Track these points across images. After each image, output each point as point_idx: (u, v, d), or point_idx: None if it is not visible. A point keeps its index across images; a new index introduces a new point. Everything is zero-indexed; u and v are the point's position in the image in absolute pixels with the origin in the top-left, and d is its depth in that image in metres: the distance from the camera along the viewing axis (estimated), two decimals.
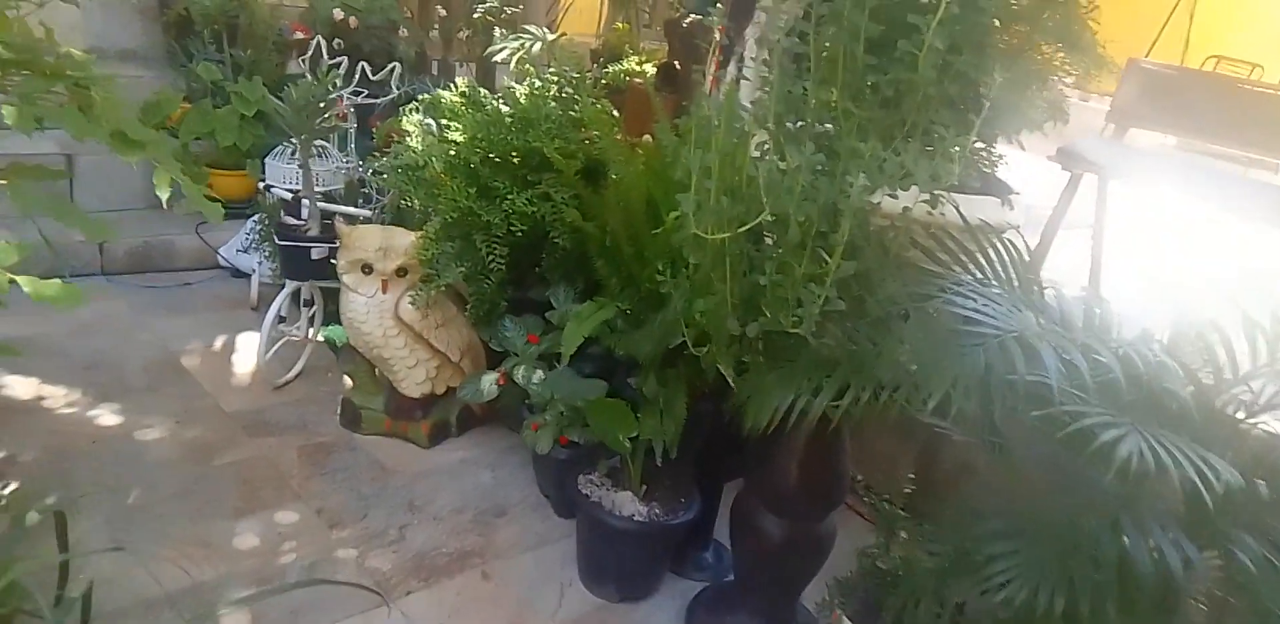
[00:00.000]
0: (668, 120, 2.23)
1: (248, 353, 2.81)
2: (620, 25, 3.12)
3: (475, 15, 3.44)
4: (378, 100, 3.19)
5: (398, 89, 3.18)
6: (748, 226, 1.27)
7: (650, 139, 2.34)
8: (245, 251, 3.26)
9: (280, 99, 2.49)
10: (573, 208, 2.21)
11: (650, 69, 2.94)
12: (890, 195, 1.25)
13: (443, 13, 3.89)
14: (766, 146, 1.36)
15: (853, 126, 1.35)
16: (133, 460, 2.25)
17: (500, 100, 2.60)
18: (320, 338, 2.73)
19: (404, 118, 2.80)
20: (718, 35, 2.35)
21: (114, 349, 2.76)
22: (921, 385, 1.21)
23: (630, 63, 2.83)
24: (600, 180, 2.27)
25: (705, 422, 1.91)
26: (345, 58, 3.19)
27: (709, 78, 2.20)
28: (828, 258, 1.23)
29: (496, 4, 3.30)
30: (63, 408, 2.44)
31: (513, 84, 2.82)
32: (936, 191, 1.25)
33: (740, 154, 1.37)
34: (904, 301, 1.34)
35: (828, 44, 1.38)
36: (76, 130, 1.17)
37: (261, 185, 2.77)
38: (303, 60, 3.17)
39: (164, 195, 1.24)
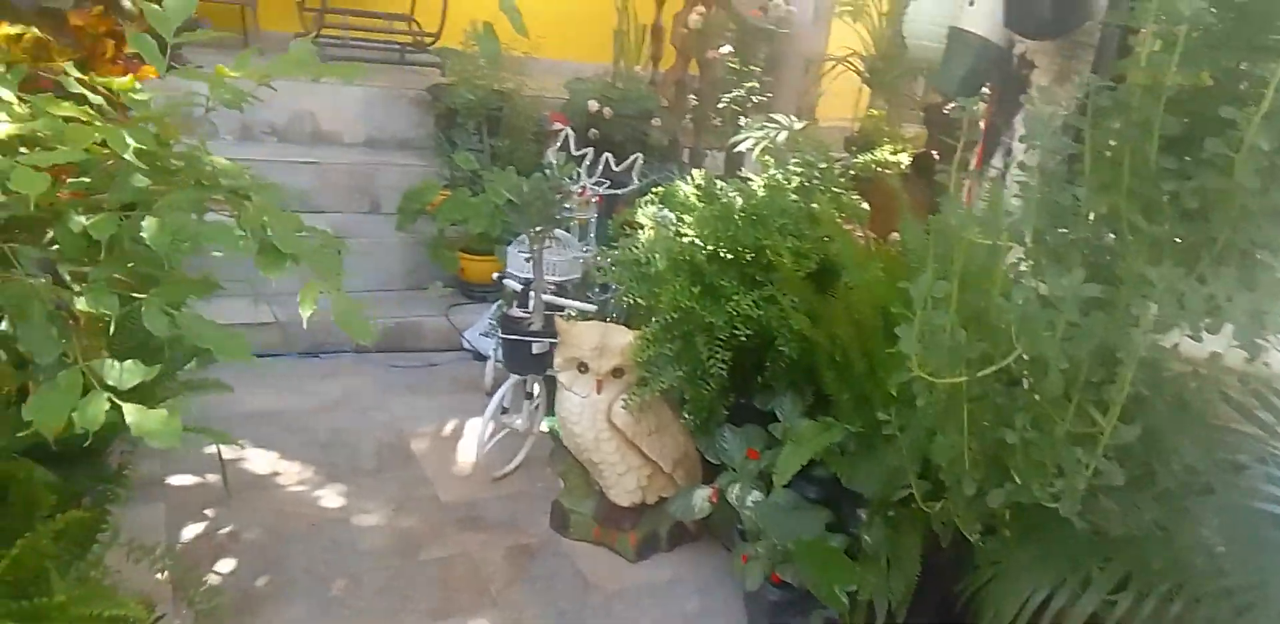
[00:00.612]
0: (917, 219, 1.99)
1: (473, 439, 2.80)
2: (876, 111, 2.93)
3: (720, 104, 3.37)
4: (620, 191, 3.16)
5: (639, 180, 3.14)
6: (991, 370, 1.01)
7: (896, 240, 2.11)
8: (486, 336, 3.31)
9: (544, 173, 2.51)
10: (801, 313, 2.01)
11: (905, 159, 2.71)
12: (1192, 338, 0.96)
13: (694, 101, 3.87)
14: (1024, 267, 1.11)
15: (1142, 246, 1.06)
16: (345, 547, 2.25)
17: (736, 193, 2.47)
18: (544, 428, 2.67)
19: (639, 209, 2.74)
20: (981, 124, 2.10)
21: (352, 427, 2.84)
22: (1237, 594, 0.89)
23: (883, 151, 2.62)
24: (835, 283, 2.06)
25: (946, 577, 1.61)
26: (591, 149, 3.20)
27: (963, 175, 1.94)
28: (1100, 416, 0.95)
29: (743, 93, 3.21)
30: (293, 486, 2.50)
31: (750, 176, 2.68)
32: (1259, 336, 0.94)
33: (991, 275, 1.12)
34: (1208, 473, 1.02)
35: (1110, 142, 1.12)
36: (225, 243, 1.13)
37: (495, 275, 2.79)
38: (551, 151, 3.22)
39: (305, 313, 1.16)
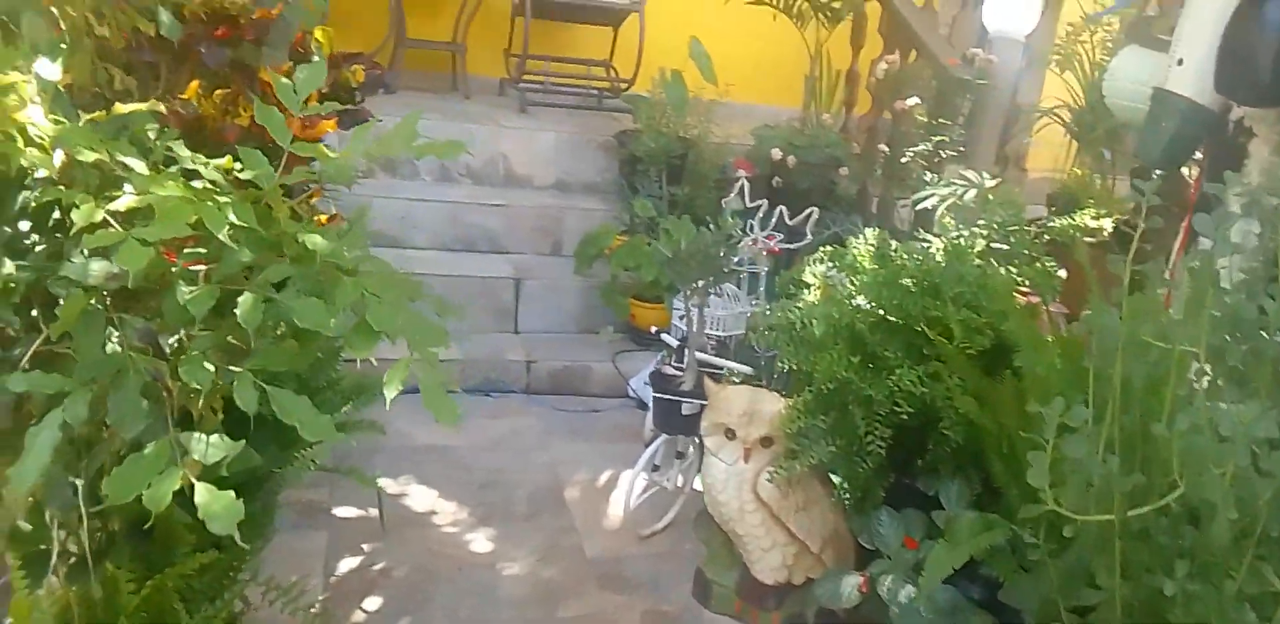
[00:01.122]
0: (1108, 299, 1.80)
1: (624, 492, 2.78)
2: (1079, 169, 2.69)
3: (904, 159, 3.21)
4: (795, 246, 3.08)
5: (812, 235, 3.04)
6: (1147, 509, 0.88)
7: (1083, 321, 1.92)
8: (649, 385, 3.30)
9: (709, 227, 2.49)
10: (969, 395, 1.86)
11: (1107, 225, 2.48)
12: None
13: (885, 149, 3.73)
14: (1198, 384, 0.96)
15: None
16: (488, 594, 2.27)
17: (910, 256, 2.34)
18: (698, 487, 2.62)
19: (808, 266, 2.65)
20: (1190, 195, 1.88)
21: (511, 469, 2.88)
22: None
23: (1086, 215, 2.41)
24: (1008, 364, 1.89)
25: None
26: (765, 201, 3.14)
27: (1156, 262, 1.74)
28: (1277, 580, 0.80)
29: (929, 147, 3.05)
30: (447, 526, 2.56)
31: (930, 237, 2.54)
32: None
33: (1159, 391, 0.98)
34: None
35: None
36: (314, 323, 1.14)
37: (653, 329, 2.78)
38: (725, 202, 3.19)
39: (390, 394, 1.16)
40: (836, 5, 4.05)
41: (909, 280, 2.19)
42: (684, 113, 3.89)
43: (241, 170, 1.26)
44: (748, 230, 3.15)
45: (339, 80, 2.23)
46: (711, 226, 2.42)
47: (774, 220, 3.08)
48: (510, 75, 4.91)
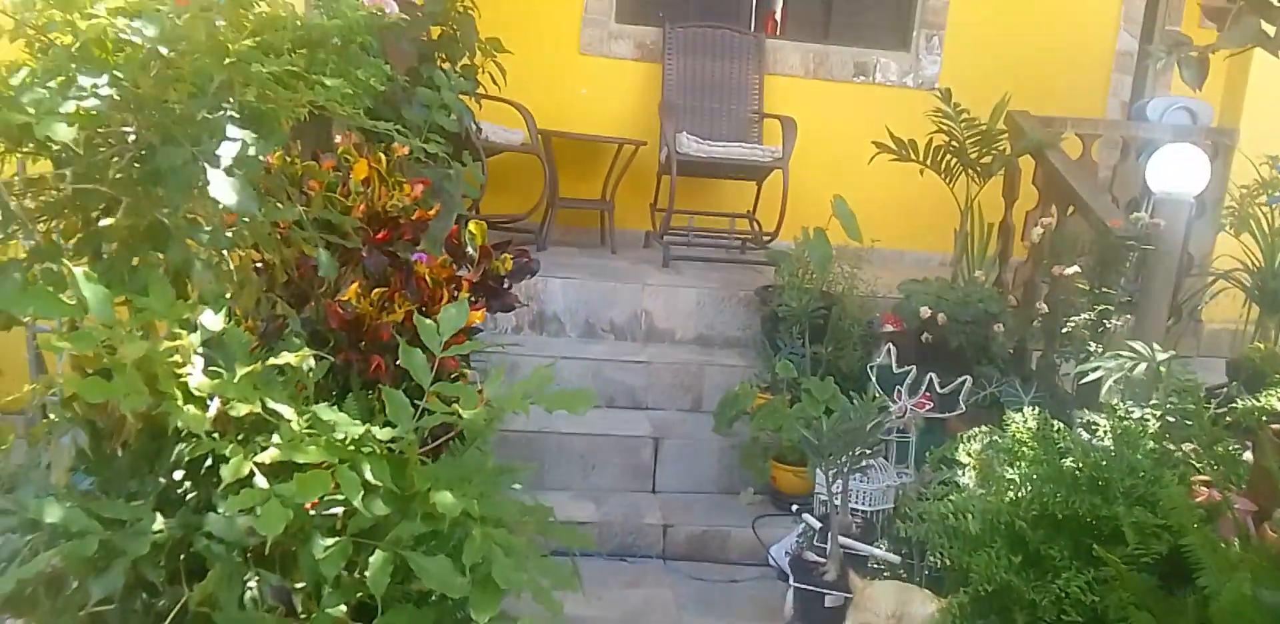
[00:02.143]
0: None
1: None
2: (1261, 344, 2.45)
3: (1064, 329, 3.04)
4: (945, 416, 2.93)
5: (964, 405, 2.89)
6: None
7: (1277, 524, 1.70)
8: (789, 556, 3.13)
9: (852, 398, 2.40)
10: (1146, 611, 1.65)
11: None
12: None
13: (1044, 308, 3.56)
14: None
15: None
16: None
17: (1077, 442, 2.17)
18: None
19: (962, 443, 2.50)
20: None
21: None
22: None
23: (1272, 397, 2.18)
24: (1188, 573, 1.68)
25: None
26: (914, 368, 3.03)
27: None
28: None
29: (1093, 316, 2.87)
30: None
31: (1097, 419, 2.36)
32: None
33: None
34: None
35: None
36: (444, 586, 1.11)
37: (794, 507, 2.65)
38: (870, 368, 3.09)
39: None
40: (986, 161, 4.01)
41: (1074, 469, 2.02)
42: (827, 271, 3.87)
43: (383, 426, 1.29)
44: (895, 397, 3.03)
45: (489, 269, 2.31)
46: (856, 398, 2.32)
47: (924, 386, 2.95)
48: (655, 228, 5.05)
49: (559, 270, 4.24)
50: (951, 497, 2.04)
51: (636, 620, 2.87)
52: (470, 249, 2.31)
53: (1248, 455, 2.37)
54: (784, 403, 3.48)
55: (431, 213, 2.19)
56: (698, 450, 3.60)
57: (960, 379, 2.89)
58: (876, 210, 4.81)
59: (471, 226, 2.32)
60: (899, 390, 3.02)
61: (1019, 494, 1.98)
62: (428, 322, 1.39)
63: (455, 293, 2.17)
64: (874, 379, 3.08)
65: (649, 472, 3.55)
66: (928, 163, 4.18)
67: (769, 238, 4.97)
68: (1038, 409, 2.42)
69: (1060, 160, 3.93)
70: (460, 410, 1.39)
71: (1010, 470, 2.21)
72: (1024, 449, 2.24)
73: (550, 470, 3.46)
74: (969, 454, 2.44)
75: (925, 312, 3.75)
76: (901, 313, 4.08)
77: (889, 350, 3.12)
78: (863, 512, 2.72)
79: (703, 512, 3.42)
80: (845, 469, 2.39)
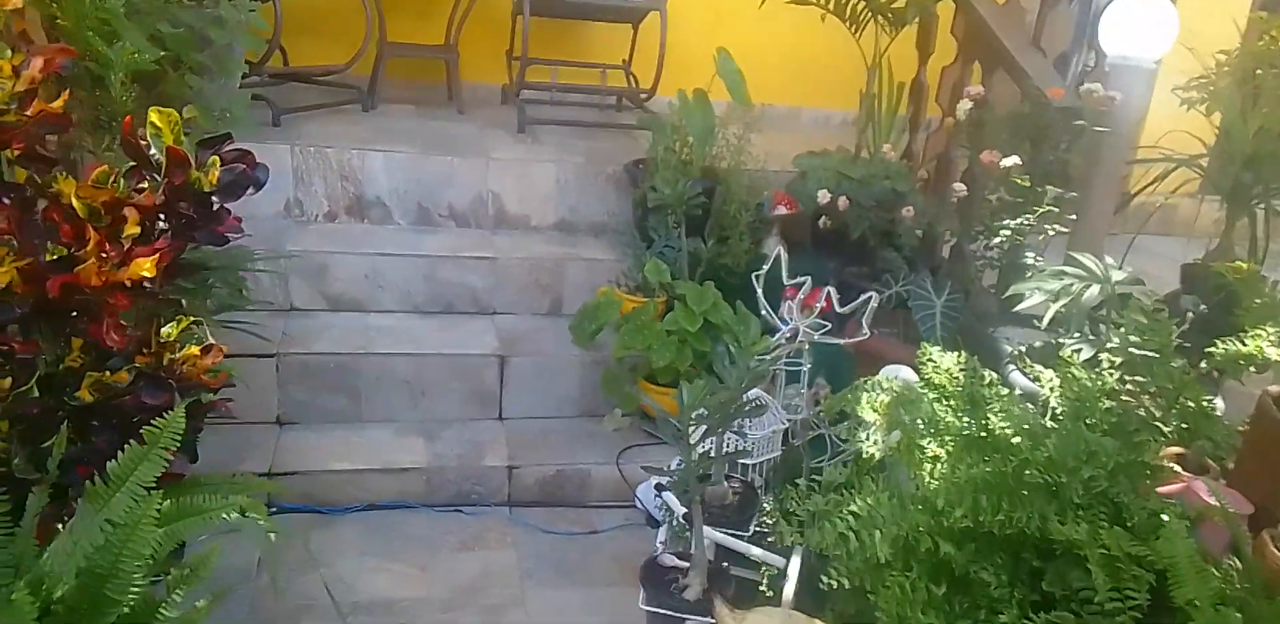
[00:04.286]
0: None
1: None
2: (1242, 263, 1.91)
3: (996, 240, 2.43)
4: (844, 341, 2.37)
5: (868, 328, 2.32)
6: None
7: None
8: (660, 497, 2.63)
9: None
10: None
11: None
12: None
13: (962, 189, 2.97)
14: None
15: None
16: None
17: (1018, 414, 1.63)
18: None
19: (864, 391, 1.96)
20: None
21: None
22: None
23: (1262, 339, 1.66)
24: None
25: None
26: (809, 278, 2.43)
27: None
28: None
29: (1030, 220, 2.25)
30: None
31: (1035, 371, 1.83)
32: None
33: None
34: None
35: None
36: None
37: (653, 484, 2.09)
38: (756, 277, 2.48)
39: None
40: (900, 6, 3.28)
41: (1016, 468, 1.48)
42: (709, 145, 3.17)
43: None
44: (785, 316, 2.45)
45: (185, 183, 1.54)
46: (732, 371, 1.71)
47: (819, 306, 2.37)
48: (511, 80, 4.20)
49: (385, 139, 3.42)
50: (851, 506, 1.50)
51: (468, 600, 2.34)
52: (155, 151, 1.54)
53: (1219, 404, 1.90)
54: (654, 312, 2.87)
55: (58, 104, 1.39)
56: (554, 368, 2.99)
57: (864, 297, 2.31)
58: (770, 64, 4.08)
59: (154, 116, 1.54)
60: (789, 305, 2.44)
61: (942, 501, 1.45)
62: None
63: (120, 225, 1.43)
64: (759, 290, 2.48)
65: (494, 396, 2.94)
66: (830, 5, 3.42)
67: (646, 96, 4.19)
68: (962, 355, 1.87)
69: (986, 6, 3.23)
70: None
71: (928, 445, 1.68)
72: (948, 418, 1.70)
73: (369, 400, 2.82)
74: (874, 408, 1.90)
75: (824, 196, 3.13)
76: (796, 192, 3.45)
77: (778, 255, 2.50)
78: (743, 467, 2.19)
79: (559, 445, 2.86)
80: (718, 430, 1.82)
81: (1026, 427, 1.60)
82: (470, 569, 2.45)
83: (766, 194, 3.37)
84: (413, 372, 2.85)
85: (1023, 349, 2.25)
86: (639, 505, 2.76)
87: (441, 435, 2.81)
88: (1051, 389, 1.76)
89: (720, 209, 3.25)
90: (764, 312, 2.48)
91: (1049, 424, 1.70)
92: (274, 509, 2.47)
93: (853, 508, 1.49)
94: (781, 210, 3.42)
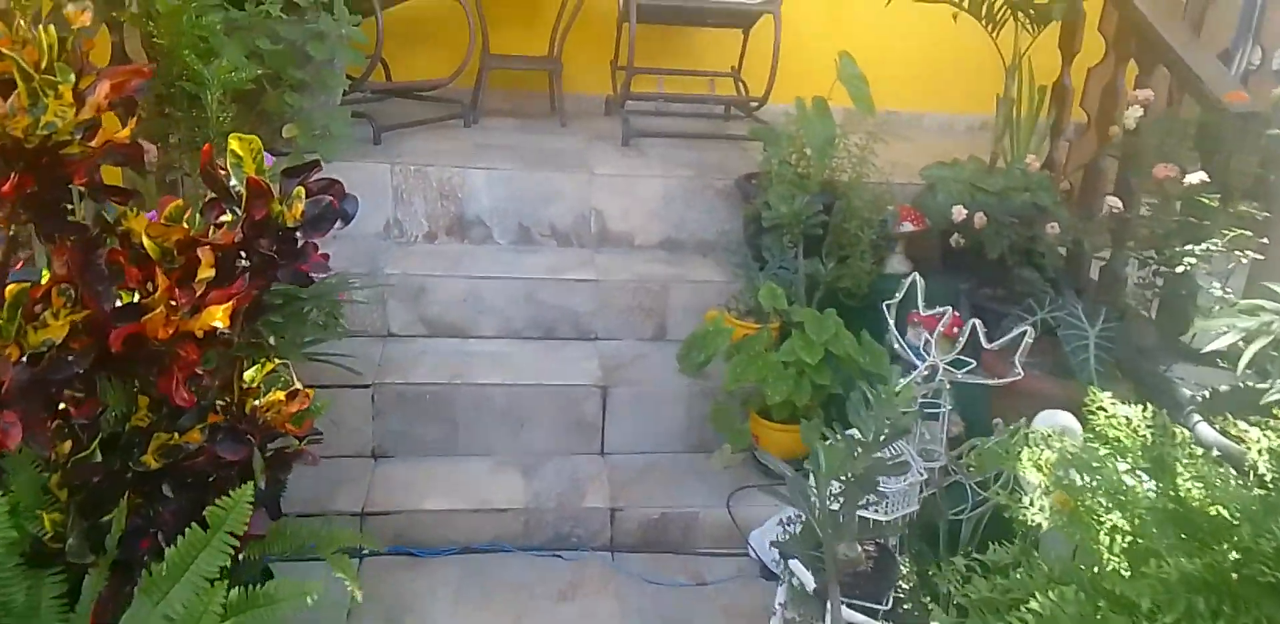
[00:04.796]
0: None
1: None
2: None
3: (1178, 268, 2.10)
4: (993, 382, 2.09)
5: (1021, 366, 2.04)
6: None
7: None
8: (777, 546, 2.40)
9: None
10: None
11: None
12: None
13: (1117, 204, 2.65)
14: None
15: None
16: None
17: (1226, 490, 1.35)
18: None
19: (1023, 450, 1.69)
20: None
21: None
22: None
23: None
24: None
25: None
26: (950, 308, 2.17)
27: None
28: None
29: (1219, 245, 1.93)
30: None
31: (1232, 426, 1.53)
32: None
33: None
34: None
35: None
36: None
37: (774, 552, 1.86)
38: (887, 307, 2.22)
39: None
40: (1043, 2, 2.97)
41: (1233, 561, 1.20)
42: (828, 156, 2.92)
43: None
44: (914, 342, 2.19)
45: (268, 217, 1.39)
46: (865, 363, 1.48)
47: (961, 342, 2.10)
48: (616, 91, 4.03)
49: (486, 156, 3.29)
50: (1031, 603, 1.25)
51: None
52: (235, 181, 1.40)
53: None
54: (769, 340, 2.64)
55: (125, 132, 1.25)
56: (659, 399, 2.79)
57: (1018, 330, 2.03)
58: (892, 67, 3.80)
59: (234, 144, 1.39)
60: (925, 339, 2.18)
61: (1147, 602, 1.18)
62: None
63: (194, 266, 1.28)
64: (890, 321, 2.23)
65: (596, 428, 2.76)
66: (964, 4, 3.14)
67: (757, 104, 3.96)
68: (1146, 408, 1.58)
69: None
70: None
71: (1109, 515, 1.41)
72: (1130, 491, 1.42)
73: (466, 431, 2.67)
74: (1037, 466, 1.62)
75: (959, 212, 2.84)
76: (924, 206, 3.17)
77: (914, 279, 2.23)
78: (877, 526, 1.94)
79: (664, 483, 2.65)
80: (855, 495, 1.59)
81: (1237, 504, 1.31)
82: (568, 622, 2.26)
83: (891, 209, 3.10)
84: (511, 401, 2.68)
85: (1206, 394, 1.93)
86: (752, 554, 2.53)
87: (540, 471, 2.63)
88: (1261, 451, 1.47)
89: (840, 226, 2.99)
90: (897, 344, 2.22)
91: (1259, 493, 1.41)
92: (365, 551, 2.33)
93: (1032, 606, 1.23)
94: (908, 227, 3.14)
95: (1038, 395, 2.25)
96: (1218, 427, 1.77)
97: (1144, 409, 1.57)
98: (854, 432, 1.74)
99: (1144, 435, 1.56)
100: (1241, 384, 1.93)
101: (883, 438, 1.56)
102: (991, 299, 3.00)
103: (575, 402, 2.73)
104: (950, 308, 2.18)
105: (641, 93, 3.90)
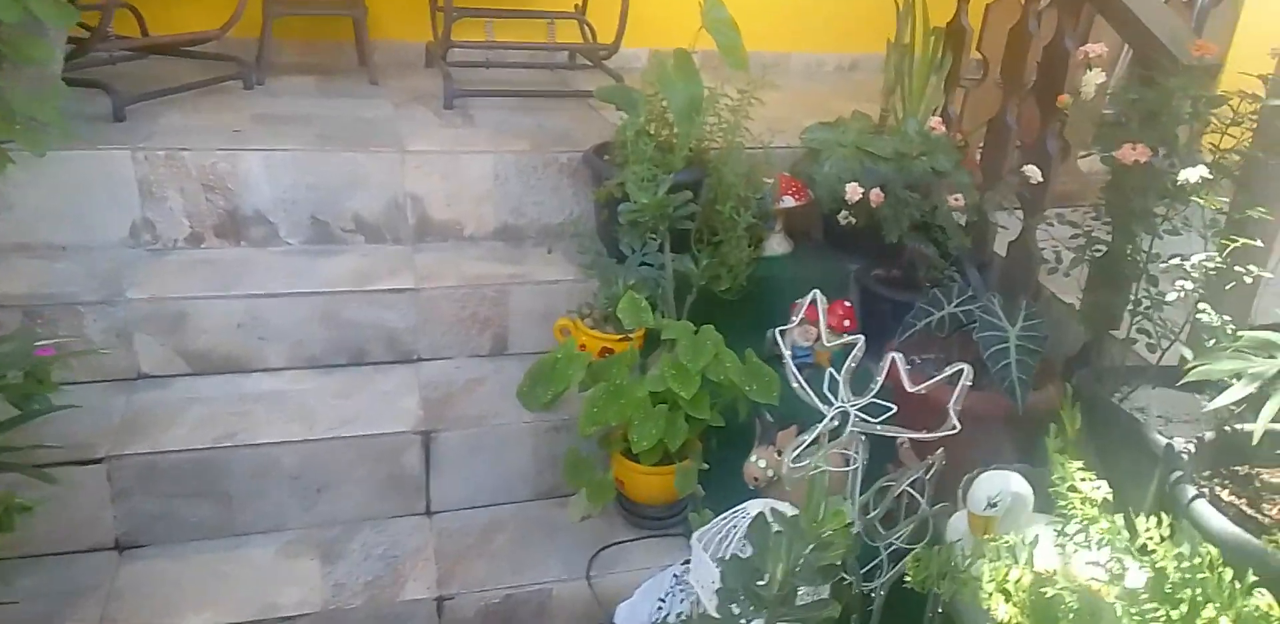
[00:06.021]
0: None
1: None
2: None
3: (1172, 298, 1.60)
4: (914, 434, 1.60)
5: (955, 415, 1.55)
6: None
7: None
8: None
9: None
10: None
11: None
12: None
13: (1035, 176, 2.18)
14: None
15: None
16: None
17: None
18: None
19: (987, 566, 1.21)
20: None
21: None
22: None
23: None
24: None
25: None
26: (862, 338, 1.66)
27: None
28: None
29: (1216, 259, 1.46)
30: None
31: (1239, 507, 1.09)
32: None
33: None
34: None
35: None
36: None
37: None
38: (778, 334, 1.70)
39: None
40: None
41: None
42: (695, 124, 2.36)
43: None
44: (828, 394, 1.69)
45: None
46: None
47: (881, 376, 1.60)
48: (436, 38, 3.34)
49: (267, 131, 2.59)
50: None
51: None
52: None
53: None
54: (632, 358, 2.09)
55: None
56: (500, 438, 2.22)
57: (952, 369, 1.54)
58: (756, 6, 3.24)
59: None
60: (834, 376, 1.68)
61: None
62: None
63: None
64: (783, 350, 1.71)
65: (418, 484, 2.18)
66: None
67: (606, 52, 3.35)
68: (1163, 521, 1.11)
69: None
70: None
71: None
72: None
73: (244, 506, 2.06)
74: (1007, 596, 1.14)
75: (854, 191, 2.34)
76: (806, 175, 2.68)
77: (807, 322, 1.71)
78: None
79: (508, 548, 2.11)
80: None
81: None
82: None
83: (769, 182, 2.58)
84: (305, 462, 2.08)
85: (1192, 447, 1.49)
86: None
87: (344, 550, 2.05)
88: None
89: (711, 207, 2.46)
90: (795, 383, 1.71)
91: None
92: None
93: None
94: (789, 202, 2.65)
95: (965, 414, 1.76)
96: (1221, 507, 1.33)
97: (1160, 525, 1.10)
98: (743, 550, 1.23)
99: (1152, 550, 1.09)
100: (1229, 428, 1.50)
101: (793, 578, 1.05)
102: (884, 282, 2.56)
103: (391, 453, 2.14)
104: (859, 338, 1.68)
105: (467, 41, 3.24)
